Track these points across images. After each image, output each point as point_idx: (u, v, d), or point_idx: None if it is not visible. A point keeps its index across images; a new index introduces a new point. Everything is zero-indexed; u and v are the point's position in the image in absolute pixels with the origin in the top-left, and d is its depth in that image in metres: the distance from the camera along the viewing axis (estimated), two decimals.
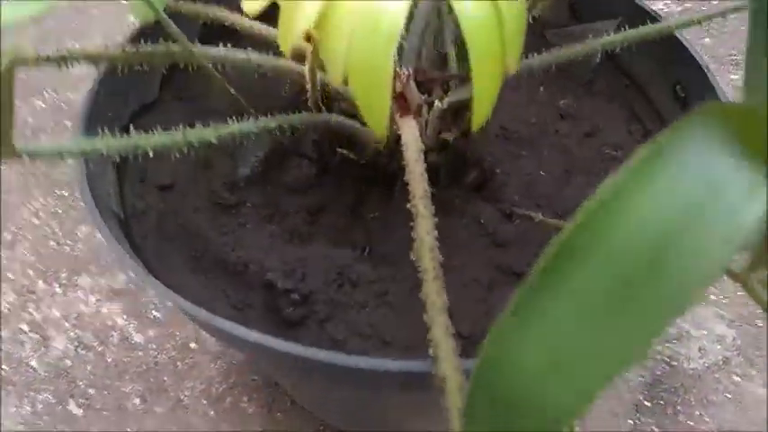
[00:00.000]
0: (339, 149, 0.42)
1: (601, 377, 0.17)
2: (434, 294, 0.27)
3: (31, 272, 0.66)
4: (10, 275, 0.66)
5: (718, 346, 0.62)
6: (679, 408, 0.59)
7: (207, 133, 0.29)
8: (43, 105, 0.82)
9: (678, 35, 0.45)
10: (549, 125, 0.48)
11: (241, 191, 0.44)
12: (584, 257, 0.18)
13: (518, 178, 0.44)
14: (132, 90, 0.44)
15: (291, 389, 0.54)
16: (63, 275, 0.66)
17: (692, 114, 0.19)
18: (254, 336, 0.31)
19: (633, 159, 0.19)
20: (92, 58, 0.32)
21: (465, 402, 0.19)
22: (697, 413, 0.58)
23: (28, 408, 0.57)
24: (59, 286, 0.65)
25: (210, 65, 0.34)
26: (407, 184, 0.45)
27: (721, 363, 0.62)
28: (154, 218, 0.42)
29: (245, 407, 0.58)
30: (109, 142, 0.26)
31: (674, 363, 0.61)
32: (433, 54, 0.42)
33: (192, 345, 0.61)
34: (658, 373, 0.61)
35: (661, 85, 0.48)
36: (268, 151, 0.45)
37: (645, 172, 0.18)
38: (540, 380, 0.18)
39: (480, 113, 0.23)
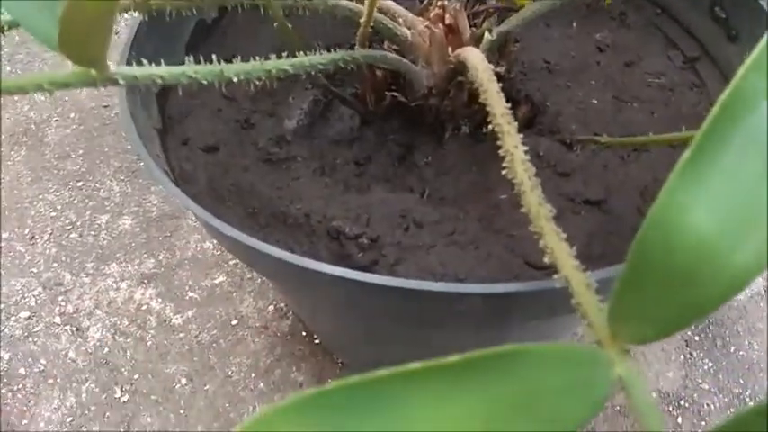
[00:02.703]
0: (389, 92, 0.41)
1: None
2: (536, 204, 0.27)
3: (55, 264, 0.64)
4: (34, 270, 0.64)
5: (758, 278, 0.63)
6: (728, 339, 0.59)
7: (282, 63, 0.28)
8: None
9: None
10: (590, 57, 0.47)
11: (289, 145, 0.42)
12: (752, 108, 0.17)
13: (570, 109, 0.43)
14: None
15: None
16: (89, 265, 0.64)
17: None
18: (339, 271, 0.30)
19: None
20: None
21: (625, 274, 0.18)
22: (746, 342, 0.59)
23: (73, 399, 0.55)
24: (87, 276, 0.63)
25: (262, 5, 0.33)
26: (457, 128, 0.45)
27: (763, 292, 0.62)
28: (204, 179, 0.41)
29: (295, 377, 0.56)
30: (196, 68, 0.25)
31: None
32: None
33: (234, 321, 0.60)
34: None
35: (698, 10, 0.47)
36: (311, 104, 0.44)
37: None
38: (715, 240, 0.17)
39: None
